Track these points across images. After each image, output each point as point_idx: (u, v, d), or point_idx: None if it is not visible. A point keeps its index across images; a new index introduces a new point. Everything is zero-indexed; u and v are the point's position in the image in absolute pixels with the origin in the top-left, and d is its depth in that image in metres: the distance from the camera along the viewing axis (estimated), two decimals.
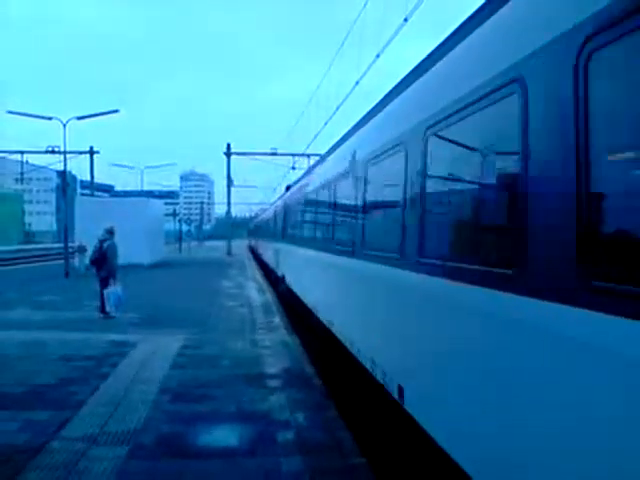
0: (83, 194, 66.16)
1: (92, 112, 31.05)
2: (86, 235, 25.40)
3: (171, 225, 68.97)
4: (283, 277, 18.32)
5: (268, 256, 28.54)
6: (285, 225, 18.88)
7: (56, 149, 41.18)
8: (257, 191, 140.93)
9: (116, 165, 73.89)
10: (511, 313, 3.11)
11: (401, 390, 5.07)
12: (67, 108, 63.49)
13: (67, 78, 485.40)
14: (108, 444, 5.73)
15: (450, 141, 4.26)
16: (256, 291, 21.13)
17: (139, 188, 72.60)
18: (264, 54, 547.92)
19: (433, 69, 4.93)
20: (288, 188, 21.76)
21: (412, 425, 4.78)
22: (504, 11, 3.57)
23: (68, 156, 31.47)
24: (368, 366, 6.35)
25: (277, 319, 14.18)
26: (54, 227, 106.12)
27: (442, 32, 5.08)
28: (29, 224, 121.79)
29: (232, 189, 52.70)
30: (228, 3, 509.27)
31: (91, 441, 5.79)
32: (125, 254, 17.07)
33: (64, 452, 5.48)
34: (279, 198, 25.97)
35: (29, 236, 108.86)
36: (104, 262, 14.26)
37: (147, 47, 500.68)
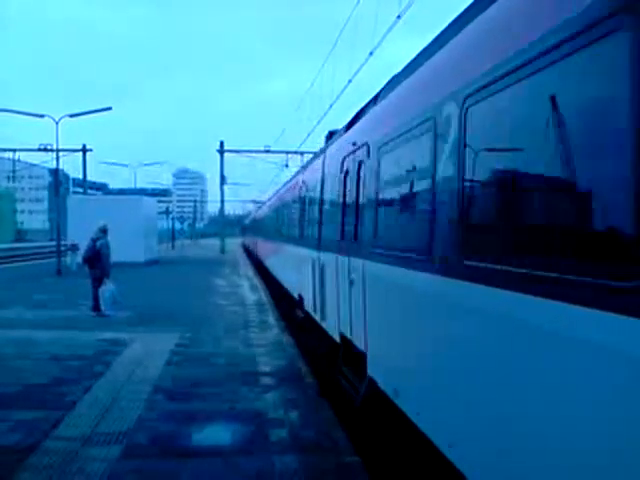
0: (76, 192, 65.91)
1: (86, 110, 30.87)
2: (79, 233, 25.26)
3: (164, 223, 68.79)
4: (352, 349, 7.14)
5: (282, 272, 16.87)
6: (362, 212, 6.82)
7: (48, 147, 40.95)
8: (251, 189, 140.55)
9: (109, 163, 73.41)
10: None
11: None
12: (64, 107, 63.01)
13: (64, 77, 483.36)
14: (101, 444, 5.70)
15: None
16: (249, 289, 21.11)
17: (132, 186, 72.38)
18: (259, 52, 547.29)
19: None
20: (351, 124, 8.74)
21: (406, 424, 4.79)
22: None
23: (61, 154, 31.34)
24: None
25: (271, 318, 14.17)
26: (46, 225, 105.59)
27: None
28: (21, 222, 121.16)
29: (225, 187, 52.73)
30: (224, 1, 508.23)
31: (84, 441, 5.76)
32: (118, 252, 17.00)
33: (57, 452, 5.45)
34: (319, 155, 11.64)
35: (21, 234, 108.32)
36: (97, 261, 14.21)
37: (143, 46, 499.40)
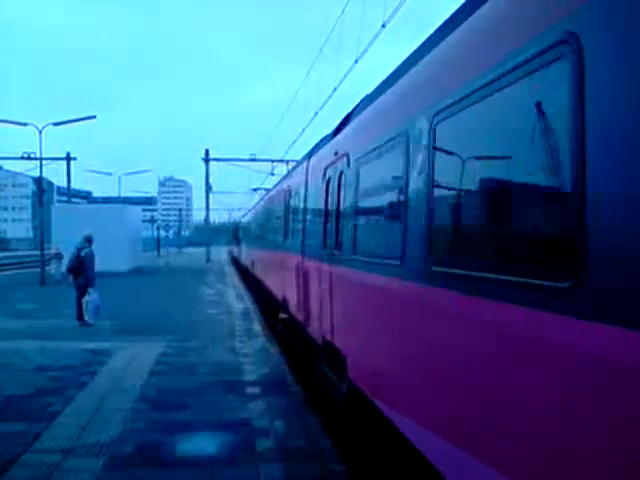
0: (60, 200, 65.37)
1: (69, 117, 30.78)
2: (63, 242, 25.06)
3: (149, 232, 68.37)
4: None
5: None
6: None
7: (32, 155, 40.60)
8: (236, 197, 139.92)
9: (93, 171, 72.74)
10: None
11: None
12: (44, 113, 62.52)
13: (44, 83, 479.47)
14: (84, 456, 5.63)
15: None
16: (235, 298, 21.03)
17: (117, 194, 71.82)
18: (243, 58, 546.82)
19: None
20: None
21: (392, 432, 4.79)
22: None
23: (44, 162, 31.09)
24: None
25: (256, 326, 14.12)
26: (30, 234, 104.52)
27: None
28: (4, 231, 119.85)
29: (211, 195, 52.56)
30: (207, 7, 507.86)
31: (66, 453, 5.69)
32: (102, 261, 16.88)
33: (38, 465, 5.38)
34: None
35: (4, 243, 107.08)
36: (81, 270, 14.10)
37: (125, 51, 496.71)
